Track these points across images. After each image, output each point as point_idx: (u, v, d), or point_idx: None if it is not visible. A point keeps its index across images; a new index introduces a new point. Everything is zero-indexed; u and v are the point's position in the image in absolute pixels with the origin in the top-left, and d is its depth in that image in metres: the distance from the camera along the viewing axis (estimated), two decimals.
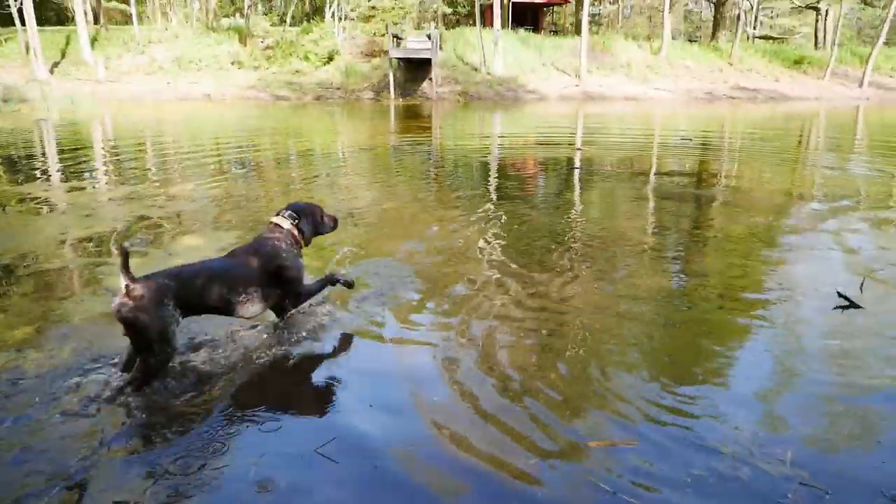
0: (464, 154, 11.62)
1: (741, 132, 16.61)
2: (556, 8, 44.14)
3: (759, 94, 32.83)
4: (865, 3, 43.94)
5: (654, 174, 9.19)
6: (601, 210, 6.99)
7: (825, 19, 41.19)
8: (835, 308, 3.87)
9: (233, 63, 30.73)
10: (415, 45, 30.35)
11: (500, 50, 31.38)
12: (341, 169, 9.56)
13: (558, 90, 30.90)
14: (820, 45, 41.18)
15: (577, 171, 9.32)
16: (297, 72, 30.43)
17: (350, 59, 31.60)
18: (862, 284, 4.19)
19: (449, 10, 42.97)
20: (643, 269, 4.66)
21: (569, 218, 6.21)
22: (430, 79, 29.67)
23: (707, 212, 6.81)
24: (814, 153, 12.06)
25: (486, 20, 35.46)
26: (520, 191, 7.81)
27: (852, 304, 3.90)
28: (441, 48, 31.53)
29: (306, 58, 30.87)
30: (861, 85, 34.71)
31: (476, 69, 31.36)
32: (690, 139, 13.89)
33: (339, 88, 29.73)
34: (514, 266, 4.63)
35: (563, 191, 7.92)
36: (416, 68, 30.48)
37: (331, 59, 31.17)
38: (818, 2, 41.36)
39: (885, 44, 38.64)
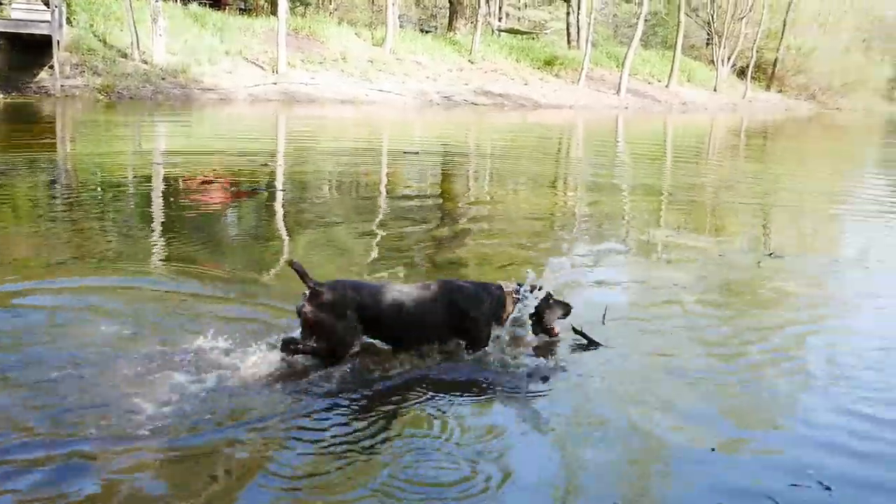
0: (109, 178, 9.82)
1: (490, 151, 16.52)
2: None
3: (506, 100, 31.02)
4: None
5: (386, 197, 9.30)
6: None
7: (578, 13, 41.75)
8: (573, 349, 4.11)
9: None
10: (25, 15, 22.82)
11: (161, 29, 25.93)
12: None
13: (248, 88, 26.02)
14: (573, 42, 41.33)
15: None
16: None
17: None
18: (604, 316, 4.46)
19: None
20: None
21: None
22: (52, 66, 22.85)
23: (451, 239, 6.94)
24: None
25: None
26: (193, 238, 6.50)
27: (591, 342, 4.09)
28: (70, 22, 24.92)
29: None
30: (618, 92, 34.32)
31: (126, 55, 25.21)
32: (418, 152, 13.79)
33: None
34: None
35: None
36: (29, 50, 23.36)
37: None
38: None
39: (643, 45, 40.58)
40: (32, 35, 23.23)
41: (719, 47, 41.42)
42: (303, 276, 3.40)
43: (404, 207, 8.19)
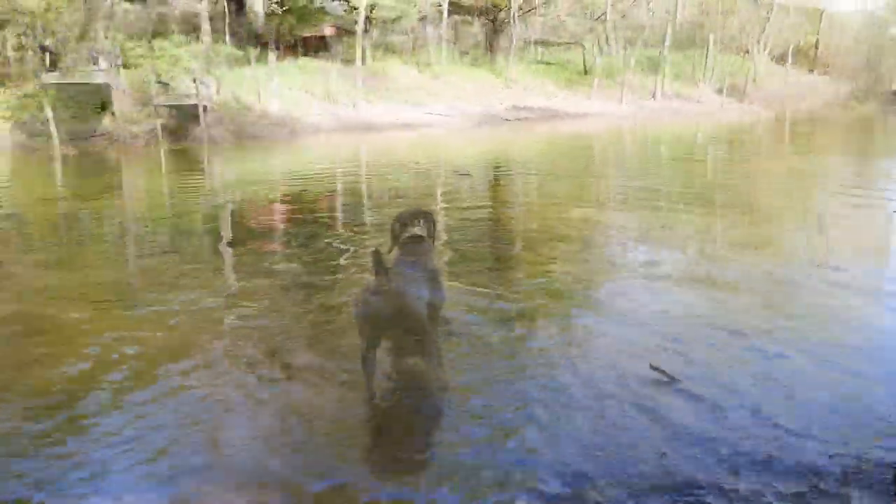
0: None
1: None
2: (346, 38, 45.39)
3: (534, 112, 35.96)
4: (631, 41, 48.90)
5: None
6: None
7: (594, 51, 45.68)
8: (651, 385, 3.71)
9: None
10: (183, 90, 30.73)
11: (275, 86, 32.61)
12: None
13: (333, 122, 32.47)
14: (591, 71, 45.38)
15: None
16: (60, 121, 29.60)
17: (118, 106, 31.08)
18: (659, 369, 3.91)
19: (240, 53, 42.94)
20: None
21: None
22: (202, 124, 30.05)
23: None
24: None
25: (281, 56, 36.72)
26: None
27: (669, 378, 3.76)
28: (219, 92, 32.24)
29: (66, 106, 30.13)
30: (620, 102, 39.99)
31: (250, 108, 32.26)
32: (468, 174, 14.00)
33: (103, 135, 29.32)
34: None
35: None
36: (187, 114, 30.80)
37: (103, 107, 30.28)
38: (583, 39, 46.35)
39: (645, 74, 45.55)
40: (188, 104, 30.12)
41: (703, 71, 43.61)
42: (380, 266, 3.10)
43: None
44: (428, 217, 4.01)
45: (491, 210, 9.28)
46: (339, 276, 6.01)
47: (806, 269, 6.17)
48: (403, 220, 3.91)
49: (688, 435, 3.14)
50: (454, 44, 42.37)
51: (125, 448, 3.03)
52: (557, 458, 2.95)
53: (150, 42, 32.31)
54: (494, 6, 43.50)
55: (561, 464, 2.91)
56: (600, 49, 42.80)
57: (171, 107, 30.65)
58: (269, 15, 38.62)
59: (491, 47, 44.76)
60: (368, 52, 33.03)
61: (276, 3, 37.33)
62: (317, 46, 41.92)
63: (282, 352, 4.09)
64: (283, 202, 11.24)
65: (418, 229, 3.87)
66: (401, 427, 3.28)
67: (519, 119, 35.02)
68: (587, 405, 3.47)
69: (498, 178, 13.24)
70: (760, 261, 6.35)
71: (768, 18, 47.27)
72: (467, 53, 44.59)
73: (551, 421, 3.31)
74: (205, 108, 30.06)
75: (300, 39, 40.25)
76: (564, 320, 4.70)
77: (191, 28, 35.37)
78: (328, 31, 41.87)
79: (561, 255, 6.46)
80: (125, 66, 33.28)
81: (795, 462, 2.88)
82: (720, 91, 45.87)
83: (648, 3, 42.15)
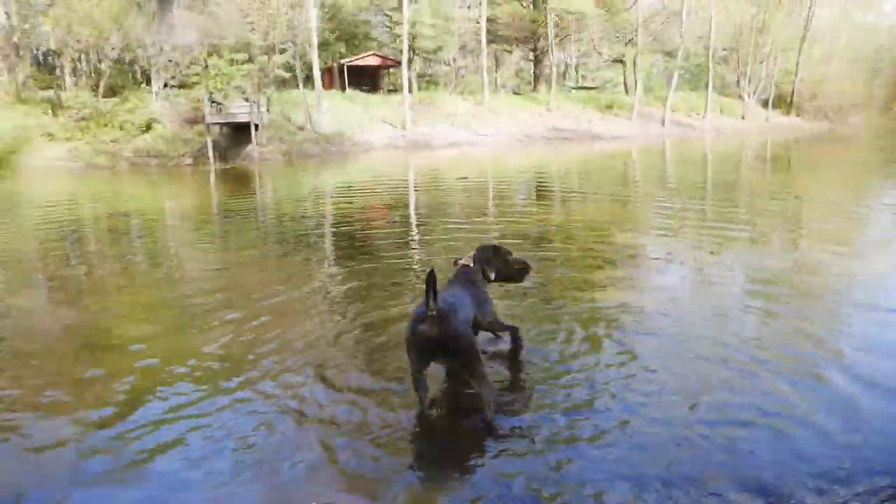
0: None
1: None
2: (392, 70, 46.46)
3: (573, 134, 36.29)
4: (669, 56, 49.68)
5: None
6: None
7: (634, 70, 45.96)
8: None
9: (42, 135, 30.37)
10: (235, 109, 30.91)
11: (324, 108, 32.76)
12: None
13: (384, 140, 32.63)
14: (630, 90, 46.17)
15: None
16: (112, 141, 30.32)
17: (172, 126, 31.72)
18: None
19: (287, 75, 44.00)
20: None
21: None
22: (253, 141, 30.27)
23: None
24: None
25: (326, 84, 37.11)
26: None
27: None
28: (269, 111, 32.59)
29: (121, 127, 30.89)
30: (663, 123, 40.09)
31: (301, 128, 32.50)
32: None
33: (156, 156, 29.61)
34: None
35: None
36: (239, 132, 31.06)
37: (149, 127, 30.98)
38: (623, 56, 46.98)
39: (691, 87, 47.39)
40: (240, 122, 30.25)
41: (746, 83, 45.73)
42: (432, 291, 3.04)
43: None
44: (499, 251, 4.23)
45: (536, 229, 8.67)
46: (396, 289, 5.86)
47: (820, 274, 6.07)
48: (483, 255, 4.16)
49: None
50: (496, 72, 43.00)
51: (181, 458, 3.06)
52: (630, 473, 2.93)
53: (205, 61, 33.16)
54: (533, 35, 44.08)
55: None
56: (638, 69, 43.57)
57: (221, 124, 31.00)
58: (322, 44, 39.60)
59: (533, 75, 45.55)
60: (414, 81, 33.78)
61: (329, 30, 38.36)
62: (361, 76, 42.74)
63: (330, 367, 4.03)
64: (341, 214, 11.37)
65: (491, 265, 4.10)
66: (451, 444, 3.24)
67: (559, 138, 35.23)
68: (640, 428, 3.33)
69: (538, 197, 12.93)
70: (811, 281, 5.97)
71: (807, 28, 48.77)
72: (508, 84, 45.66)
73: (621, 437, 3.26)
74: (256, 126, 30.21)
75: (345, 68, 41.20)
76: (615, 345, 4.45)
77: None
78: (373, 60, 42.27)
79: (608, 281, 6.01)
80: (182, 86, 34.27)
81: None
82: (765, 104, 47.76)
83: (681, 26, 42.99)
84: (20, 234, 9.70)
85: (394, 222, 9.89)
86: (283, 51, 36.89)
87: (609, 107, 41.32)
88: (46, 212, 12.46)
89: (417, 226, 9.26)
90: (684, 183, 13.55)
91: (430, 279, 3.03)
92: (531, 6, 44.09)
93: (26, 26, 33.69)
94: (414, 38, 40.27)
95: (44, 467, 2.93)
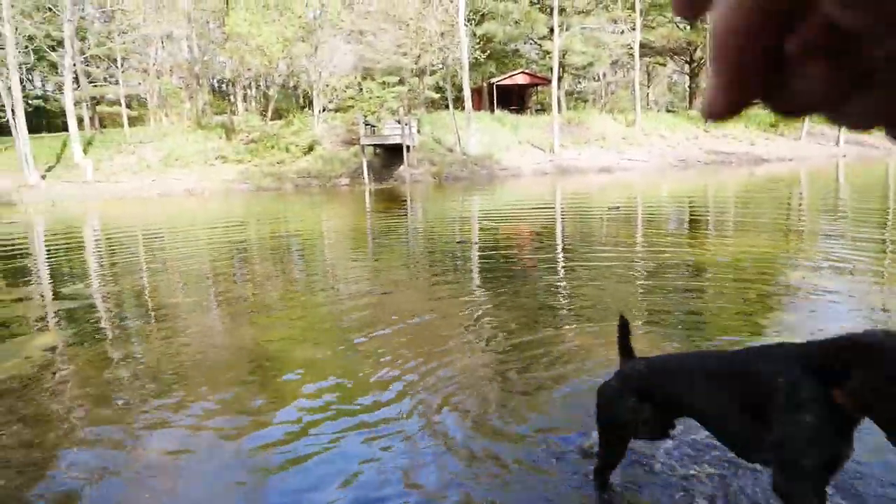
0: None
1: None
2: (540, 88, 46.21)
3: (733, 157, 34.03)
4: None
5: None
6: None
7: None
8: None
9: (217, 158, 32.82)
10: (388, 131, 32.13)
11: (473, 130, 32.96)
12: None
13: (531, 165, 32.24)
14: None
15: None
16: (278, 163, 32.31)
17: (330, 148, 33.42)
18: None
19: (437, 96, 45.18)
20: None
21: None
22: (405, 163, 31.11)
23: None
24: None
25: (475, 104, 37.36)
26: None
27: None
28: (419, 132, 33.45)
29: (287, 149, 32.84)
30: (837, 143, 36.28)
31: (451, 150, 32.99)
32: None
33: (316, 177, 31.40)
34: None
35: None
36: (392, 153, 32.06)
37: (311, 149, 32.87)
38: None
39: None
40: (393, 143, 31.28)
41: None
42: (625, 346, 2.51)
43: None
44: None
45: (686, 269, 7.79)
46: (552, 320, 5.27)
47: None
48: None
49: None
50: (647, 86, 41.69)
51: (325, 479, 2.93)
52: None
53: (359, 84, 34.59)
54: (689, 44, 42.62)
55: None
56: None
57: (375, 146, 32.13)
58: (474, 64, 40.19)
59: (689, 90, 43.87)
60: (563, 101, 33.48)
61: (479, 49, 38.86)
62: (509, 95, 43.04)
63: (494, 404, 3.65)
64: (501, 235, 11.20)
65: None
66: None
67: (717, 162, 33.28)
68: None
69: (690, 228, 11.89)
70: None
71: None
72: (661, 100, 44.11)
73: None
74: (408, 147, 31.00)
75: (494, 87, 41.45)
76: None
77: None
78: (522, 79, 42.53)
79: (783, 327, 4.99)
80: (338, 109, 35.98)
81: None
82: None
83: None
84: (197, 253, 10.38)
85: (544, 251, 9.41)
86: (433, 72, 37.72)
87: (774, 125, 38.40)
88: (224, 231, 13.31)
89: (566, 252, 8.81)
90: (862, 212, 11.83)
91: (623, 330, 2.56)
92: (687, 28, 42.28)
93: (206, 58, 36.53)
94: (564, 55, 39.98)
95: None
